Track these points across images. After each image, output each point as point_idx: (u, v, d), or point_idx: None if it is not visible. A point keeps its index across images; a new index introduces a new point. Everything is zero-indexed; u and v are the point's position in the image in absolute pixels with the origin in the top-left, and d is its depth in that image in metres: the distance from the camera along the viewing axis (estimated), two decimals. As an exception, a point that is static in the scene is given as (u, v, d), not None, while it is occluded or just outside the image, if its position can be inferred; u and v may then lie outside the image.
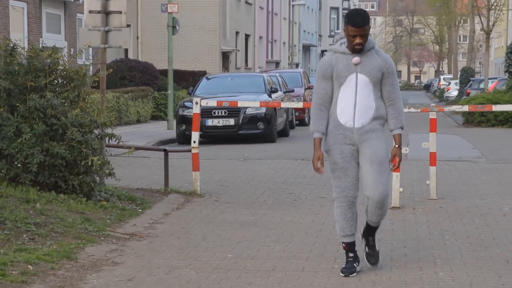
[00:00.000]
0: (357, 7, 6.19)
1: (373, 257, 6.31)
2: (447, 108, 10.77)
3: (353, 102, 5.93)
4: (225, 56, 40.73)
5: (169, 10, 24.01)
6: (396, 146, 6.00)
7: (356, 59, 5.95)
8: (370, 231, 6.34)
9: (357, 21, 5.85)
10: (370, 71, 5.93)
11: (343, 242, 6.24)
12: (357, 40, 5.88)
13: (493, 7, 38.46)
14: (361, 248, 6.43)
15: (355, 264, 6.18)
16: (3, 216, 7.26)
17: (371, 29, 6.10)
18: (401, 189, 9.53)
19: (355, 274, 6.12)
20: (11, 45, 8.80)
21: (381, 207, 6.08)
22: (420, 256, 6.85)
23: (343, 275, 6.08)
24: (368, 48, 6.01)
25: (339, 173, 6.00)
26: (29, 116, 8.53)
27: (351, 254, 6.21)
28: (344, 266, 6.19)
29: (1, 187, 8.39)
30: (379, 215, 6.14)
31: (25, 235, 6.98)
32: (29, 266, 6.17)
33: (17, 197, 8.13)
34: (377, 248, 6.36)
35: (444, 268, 6.41)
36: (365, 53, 5.99)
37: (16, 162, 8.39)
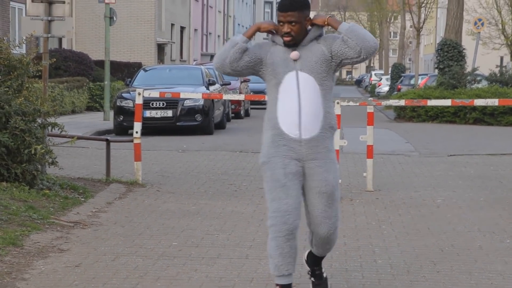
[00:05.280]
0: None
1: (320, 286, 5.36)
2: (384, 102, 11.08)
3: (297, 107, 4.82)
4: (160, 48, 40.64)
5: (106, 1, 23.90)
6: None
7: (295, 53, 4.85)
8: (315, 261, 5.36)
9: (284, 4, 4.81)
10: (313, 67, 4.84)
11: (276, 284, 5.01)
12: (284, 29, 4.79)
13: (423, 4, 39.22)
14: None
15: None
16: None
17: None
18: (339, 181, 9.77)
19: None
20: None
21: (328, 242, 5.14)
22: (359, 244, 7.09)
23: None
24: (311, 39, 4.92)
25: (279, 193, 4.84)
26: (-28, 104, 8.51)
27: None
28: None
29: None
30: (326, 249, 5.23)
31: (-30, 222, 7.00)
32: (-23, 252, 6.21)
33: (-40, 184, 8.12)
34: (324, 276, 5.39)
35: (383, 256, 6.66)
36: (307, 45, 4.90)
37: (-42, 150, 8.37)
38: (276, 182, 4.86)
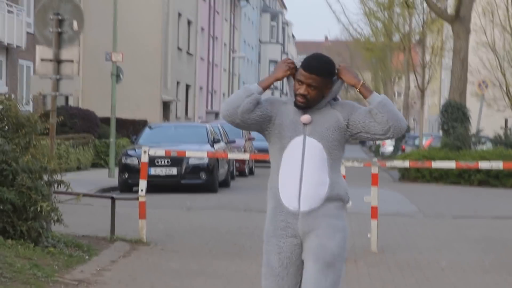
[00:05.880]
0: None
1: None
2: (389, 163, 11.13)
3: (299, 176, 4.39)
4: (166, 105, 40.91)
5: (113, 59, 24.13)
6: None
7: (306, 117, 4.42)
8: None
9: (311, 65, 4.36)
10: (324, 133, 4.40)
11: None
12: (301, 90, 4.36)
13: (427, 65, 39.53)
14: None
15: None
16: (-48, 260, 7.26)
17: None
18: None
19: None
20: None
21: None
22: (364, 307, 7.08)
23: None
24: (326, 102, 4.48)
25: (272, 283, 4.43)
26: (-21, 161, 8.57)
27: None
28: None
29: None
30: None
31: (-25, 280, 7.00)
32: (-20, 310, 6.20)
33: (-35, 241, 8.13)
34: None
35: (387, 319, 6.64)
36: (321, 109, 4.46)
37: (-36, 207, 8.40)
38: (271, 270, 4.42)
